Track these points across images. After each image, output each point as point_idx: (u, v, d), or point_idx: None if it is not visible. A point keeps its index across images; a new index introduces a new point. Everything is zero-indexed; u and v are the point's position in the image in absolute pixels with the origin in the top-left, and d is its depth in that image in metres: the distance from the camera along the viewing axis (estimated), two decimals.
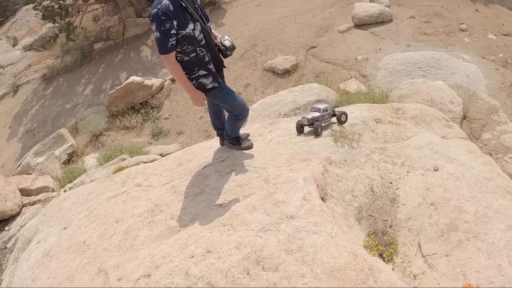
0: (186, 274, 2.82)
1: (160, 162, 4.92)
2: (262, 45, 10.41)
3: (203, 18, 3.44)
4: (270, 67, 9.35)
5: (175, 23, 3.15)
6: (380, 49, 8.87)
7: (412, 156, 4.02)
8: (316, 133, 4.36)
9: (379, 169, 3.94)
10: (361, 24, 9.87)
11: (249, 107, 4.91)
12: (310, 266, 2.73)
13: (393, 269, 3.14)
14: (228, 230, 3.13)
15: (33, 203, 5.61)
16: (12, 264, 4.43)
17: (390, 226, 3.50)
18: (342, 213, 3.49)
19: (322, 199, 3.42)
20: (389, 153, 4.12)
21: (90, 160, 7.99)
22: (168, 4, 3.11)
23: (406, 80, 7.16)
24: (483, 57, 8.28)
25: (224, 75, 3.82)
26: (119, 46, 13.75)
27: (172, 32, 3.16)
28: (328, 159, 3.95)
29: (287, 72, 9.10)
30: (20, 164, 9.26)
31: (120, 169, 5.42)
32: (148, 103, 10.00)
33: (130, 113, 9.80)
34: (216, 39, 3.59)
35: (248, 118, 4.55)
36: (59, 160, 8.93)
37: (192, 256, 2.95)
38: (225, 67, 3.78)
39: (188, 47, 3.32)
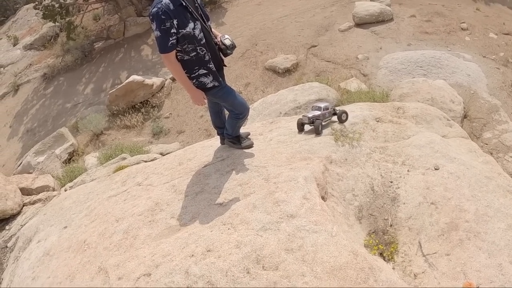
0: (186, 273, 2.81)
1: (160, 161, 4.92)
2: (262, 44, 10.41)
3: (203, 17, 3.44)
4: (271, 66, 9.35)
5: (175, 22, 3.15)
6: (380, 48, 8.87)
7: (413, 155, 4.02)
8: (317, 132, 4.35)
9: (379, 168, 3.94)
10: (362, 23, 9.86)
11: (250, 106, 4.92)
12: (311, 265, 2.73)
13: (393, 268, 3.14)
14: (228, 229, 3.13)
15: (34, 202, 5.61)
16: (13, 263, 4.44)
17: (391, 225, 3.50)
18: (342, 212, 3.49)
19: (323, 198, 3.42)
20: (389, 152, 4.12)
21: (90, 159, 8.00)
22: (168, 3, 3.11)
23: (406, 79, 7.15)
24: (484, 56, 8.27)
25: (225, 74, 3.81)
26: (120, 45, 13.76)
27: (172, 31, 3.16)
28: (328, 158, 3.95)
29: (287, 71, 9.10)
30: (20, 163, 9.27)
31: (121, 168, 5.42)
32: (148, 102, 10.00)
33: (131, 112, 9.81)
34: (216, 38, 3.59)
35: (248, 117, 4.55)
36: (59, 159, 8.94)
37: (192, 255, 2.95)
38: (225, 66, 3.78)
39: (188, 46, 3.32)
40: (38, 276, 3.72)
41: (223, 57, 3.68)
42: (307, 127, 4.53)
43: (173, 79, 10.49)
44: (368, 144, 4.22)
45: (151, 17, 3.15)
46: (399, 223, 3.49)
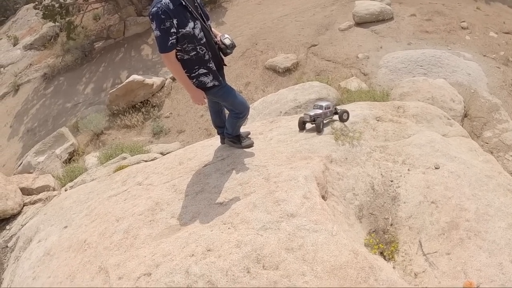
0: (186, 273, 2.81)
1: (160, 161, 4.92)
2: (263, 44, 10.40)
3: (203, 17, 3.43)
4: (271, 65, 9.35)
5: (175, 21, 3.15)
6: (381, 47, 8.86)
7: (413, 154, 4.02)
8: (318, 130, 4.36)
9: (380, 167, 3.93)
10: (362, 22, 9.86)
11: (250, 106, 4.91)
12: (311, 264, 2.73)
13: (394, 268, 3.14)
14: (229, 228, 3.13)
15: (34, 202, 5.61)
16: (13, 263, 4.44)
17: (391, 225, 3.49)
18: (343, 211, 3.48)
19: (323, 197, 3.42)
20: (390, 151, 4.11)
21: (91, 159, 8.00)
22: (168, 3, 3.11)
23: (407, 78, 7.15)
24: (484, 55, 8.26)
25: (225, 73, 3.81)
26: (120, 45, 13.76)
27: (172, 30, 3.16)
28: (328, 157, 3.95)
29: (288, 71, 9.10)
30: (21, 163, 9.28)
31: (121, 168, 5.42)
32: (149, 102, 10.00)
33: (131, 111, 9.81)
34: (216, 38, 3.58)
35: (248, 116, 4.55)
36: (60, 159, 8.95)
37: (193, 255, 2.95)
38: (225, 65, 3.77)
39: (188, 45, 3.31)
40: (38, 276, 3.72)
41: (223, 56, 3.68)
42: (308, 126, 4.53)
43: (173, 79, 10.48)
44: (368, 143, 4.21)
45: (150, 17, 3.15)
46: (400, 222, 3.49)
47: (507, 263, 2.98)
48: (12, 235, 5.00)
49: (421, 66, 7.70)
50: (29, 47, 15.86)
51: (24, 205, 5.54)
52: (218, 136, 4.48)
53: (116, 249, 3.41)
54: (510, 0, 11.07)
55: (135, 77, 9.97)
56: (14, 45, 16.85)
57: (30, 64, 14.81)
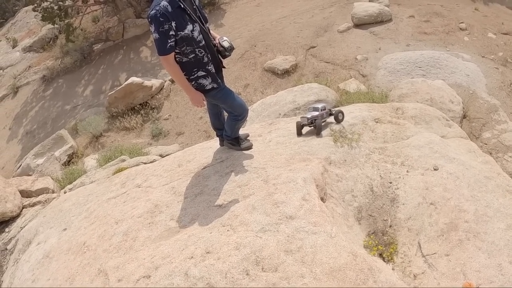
0: (185, 275, 2.81)
1: (159, 163, 4.92)
2: (261, 46, 10.41)
3: (202, 19, 3.44)
4: (270, 67, 9.35)
5: (173, 24, 3.15)
6: (379, 49, 8.87)
7: (412, 156, 4.02)
8: (318, 132, 4.35)
9: (378, 169, 3.94)
10: (361, 24, 9.87)
11: (249, 108, 4.91)
12: (310, 266, 2.73)
13: (393, 269, 3.14)
14: (228, 230, 3.13)
15: (33, 205, 5.61)
16: (13, 266, 4.43)
17: (390, 226, 3.50)
18: (341, 213, 3.49)
19: (322, 199, 3.42)
20: (388, 153, 4.12)
21: (90, 161, 8.01)
22: (167, 6, 3.11)
23: (405, 80, 7.15)
24: (482, 56, 8.27)
25: (224, 75, 3.81)
26: (119, 47, 13.76)
27: (170, 33, 3.16)
28: (327, 159, 3.95)
29: (286, 72, 9.10)
30: (20, 166, 9.27)
31: (120, 170, 5.42)
32: (148, 104, 10.00)
33: (130, 114, 9.81)
34: (214, 40, 3.59)
35: (247, 118, 4.54)
36: (59, 162, 8.94)
37: (192, 257, 2.95)
38: (224, 67, 3.78)
39: (187, 48, 3.32)
40: (38, 279, 3.72)
41: (221, 58, 3.69)
42: (305, 129, 4.53)
43: (172, 81, 10.49)
44: (367, 145, 4.22)
45: (149, 20, 3.16)
46: (399, 223, 3.49)
47: (506, 264, 2.99)
48: (11, 238, 4.99)
49: (419, 67, 7.71)
50: (28, 49, 15.86)
51: (23, 208, 5.54)
52: (217, 138, 4.48)
53: (115, 251, 3.41)
54: (509, 1, 11.10)
55: (134, 79, 9.98)
56: (13, 47, 16.85)
57: (29, 66, 14.80)
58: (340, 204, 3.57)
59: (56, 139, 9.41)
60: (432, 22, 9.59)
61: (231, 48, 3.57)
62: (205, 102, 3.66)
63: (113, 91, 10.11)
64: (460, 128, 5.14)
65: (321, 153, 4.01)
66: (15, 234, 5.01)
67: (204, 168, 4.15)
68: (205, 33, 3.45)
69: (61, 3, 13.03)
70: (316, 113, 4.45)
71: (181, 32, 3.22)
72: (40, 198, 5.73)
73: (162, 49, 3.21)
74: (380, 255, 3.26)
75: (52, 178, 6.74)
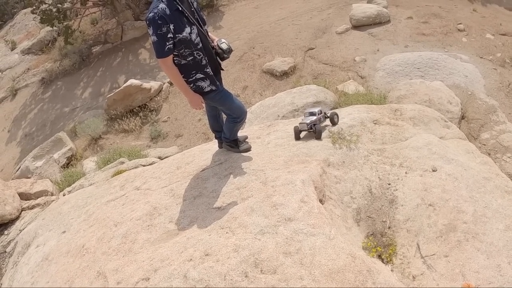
0: (184, 277, 2.82)
1: (158, 165, 4.92)
2: (260, 47, 10.42)
3: (200, 21, 3.44)
4: (268, 69, 9.37)
5: (171, 27, 3.16)
6: (378, 50, 8.89)
7: (411, 157, 4.02)
8: (319, 136, 4.34)
9: (377, 171, 3.94)
10: (359, 25, 9.89)
11: (247, 110, 4.92)
12: (309, 268, 2.73)
13: (392, 270, 3.14)
14: (227, 233, 3.13)
15: (32, 207, 5.60)
16: (12, 268, 4.43)
17: (389, 227, 3.50)
18: (340, 215, 3.49)
19: (320, 201, 3.42)
20: (387, 154, 4.12)
21: (89, 163, 8.00)
22: (165, 8, 3.12)
23: (404, 81, 7.16)
24: (481, 57, 8.29)
25: (222, 77, 3.82)
26: (117, 49, 13.77)
27: (169, 36, 3.17)
28: (326, 161, 3.96)
29: (285, 74, 9.11)
30: (19, 168, 9.26)
31: (119, 172, 5.42)
32: (146, 106, 10.01)
33: (129, 116, 9.81)
34: (213, 42, 3.60)
35: (246, 120, 4.55)
36: (58, 164, 8.93)
37: (191, 259, 2.95)
38: (222, 69, 3.79)
39: (185, 50, 3.33)
40: (37, 281, 3.72)
41: (220, 61, 3.69)
42: (302, 134, 4.52)
43: (170, 83, 10.49)
44: (365, 147, 4.22)
45: (147, 22, 3.16)
46: (397, 225, 3.49)
47: (505, 264, 2.99)
48: (10, 240, 4.99)
49: (418, 68, 7.72)
50: (27, 51, 15.86)
51: (22, 210, 5.54)
52: (216, 141, 4.49)
53: (114, 254, 3.41)
54: (507, 2, 11.13)
55: (132, 81, 9.99)
56: (12, 49, 16.85)
57: (28, 69, 14.80)
58: (338, 206, 3.57)
59: (55, 142, 9.41)
60: (430, 23, 9.61)
61: (229, 50, 3.58)
62: (203, 104, 3.67)
63: (112, 93, 10.12)
64: (458, 129, 5.14)
65: (319, 155, 4.02)
66: (14, 236, 5.01)
67: (203, 170, 4.15)
68: (203, 35, 3.45)
69: (59, 5, 13.04)
70: (314, 117, 4.44)
71: (179, 35, 3.22)
72: (39, 200, 5.73)
73: (160, 52, 3.21)
74: (379, 256, 3.26)
75: (51, 181, 6.75)
